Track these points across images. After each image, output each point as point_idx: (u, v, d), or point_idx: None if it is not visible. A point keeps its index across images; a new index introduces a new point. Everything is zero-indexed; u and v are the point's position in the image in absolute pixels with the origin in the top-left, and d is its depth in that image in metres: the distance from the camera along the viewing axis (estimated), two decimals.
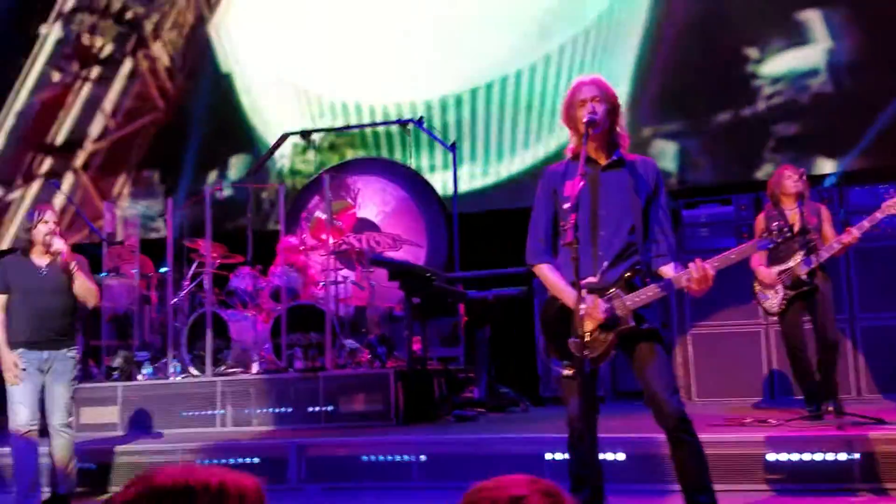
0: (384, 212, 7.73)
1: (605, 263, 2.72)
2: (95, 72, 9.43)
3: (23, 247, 4.29)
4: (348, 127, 8.26)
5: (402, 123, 7.95)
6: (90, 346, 6.53)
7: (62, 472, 4.22)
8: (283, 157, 8.43)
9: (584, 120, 2.69)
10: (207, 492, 0.92)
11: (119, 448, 5.05)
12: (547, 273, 2.82)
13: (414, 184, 7.75)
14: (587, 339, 2.56)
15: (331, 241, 6.34)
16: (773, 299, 4.62)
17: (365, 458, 4.59)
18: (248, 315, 6.39)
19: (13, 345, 4.15)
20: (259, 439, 5.21)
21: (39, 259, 4.25)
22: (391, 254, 7.25)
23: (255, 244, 7.35)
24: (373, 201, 7.68)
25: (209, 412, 5.80)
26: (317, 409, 5.62)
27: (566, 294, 2.68)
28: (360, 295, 6.64)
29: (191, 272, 6.71)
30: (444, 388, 6.18)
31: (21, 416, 4.11)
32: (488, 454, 4.35)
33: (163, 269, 7.25)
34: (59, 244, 4.14)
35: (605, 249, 2.74)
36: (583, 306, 2.51)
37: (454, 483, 4.33)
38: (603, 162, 2.83)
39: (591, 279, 2.67)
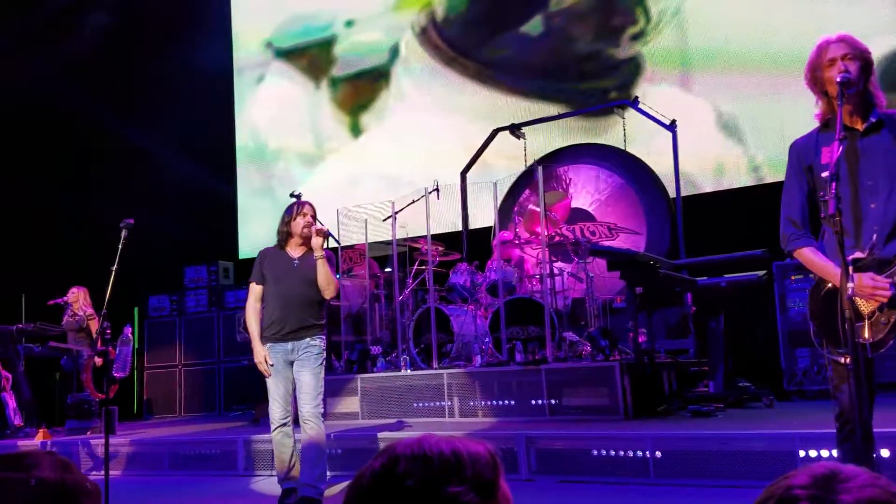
0: (598, 200, 7.52)
1: (875, 237, 2.38)
2: None
3: (280, 239, 4.34)
4: (560, 116, 8.12)
5: (618, 106, 7.68)
6: (331, 342, 7.04)
7: (309, 470, 4.13)
8: (496, 153, 8.48)
9: (838, 80, 2.39)
10: (442, 456, 0.98)
11: (361, 434, 5.37)
12: (810, 256, 2.53)
13: (630, 168, 7.46)
14: (866, 321, 2.25)
15: (545, 233, 6.29)
16: None
17: (595, 452, 4.47)
18: (468, 310, 6.53)
19: (263, 338, 4.23)
20: (486, 430, 5.28)
21: (294, 251, 4.32)
22: (608, 243, 7.04)
23: (469, 241, 7.49)
24: (586, 189, 7.51)
25: (438, 403, 6.01)
26: (540, 402, 5.60)
27: (836, 275, 2.38)
28: (577, 287, 6.53)
29: (413, 270, 7.00)
30: (673, 381, 5.89)
31: (274, 412, 4.21)
32: (731, 451, 4.05)
33: (387, 269, 7.65)
34: (320, 227, 4.26)
35: (878, 222, 2.41)
36: (850, 285, 2.21)
37: (693, 481, 4.10)
38: (860, 127, 2.50)
39: (858, 254, 2.36)
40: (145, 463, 5.95)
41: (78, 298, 7.78)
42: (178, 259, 9.81)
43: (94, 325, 7.62)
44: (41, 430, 6.67)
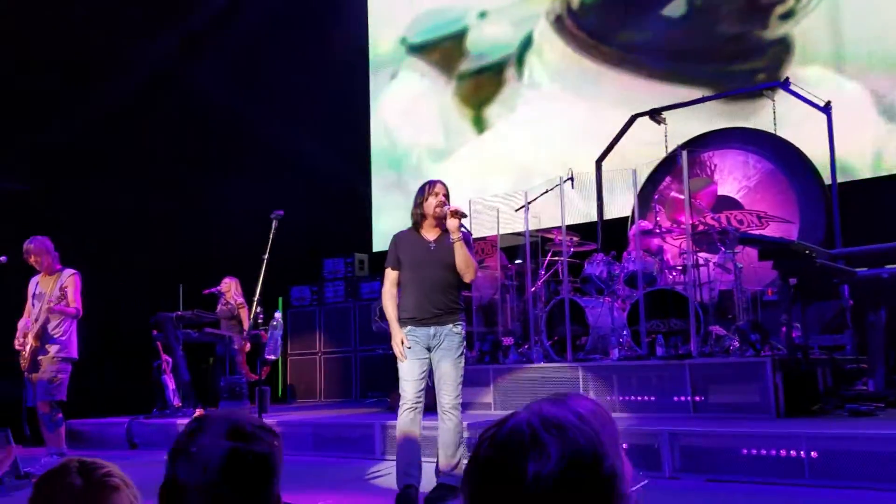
0: (747, 187, 7.11)
1: None
2: None
3: (414, 222, 4.19)
4: (705, 98, 7.73)
5: (768, 88, 7.23)
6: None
7: (447, 459, 4.00)
8: (633, 140, 8.20)
9: None
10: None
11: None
12: None
13: (781, 153, 7.00)
14: None
15: (689, 222, 6.01)
16: None
17: (745, 451, 4.23)
18: (604, 301, 6.36)
19: (401, 322, 4.08)
20: (625, 426, 5.12)
21: (429, 233, 4.15)
22: (758, 232, 6.64)
23: (604, 230, 7.31)
24: (733, 176, 7.12)
25: None
26: (683, 398, 5.39)
27: None
28: (724, 278, 6.20)
29: (546, 261, 6.90)
30: (828, 379, 5.47)
31: (406, 392, 4.03)
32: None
33: (517, 261, 7.60)
34: (455, 207, 4.03)
35: None
36: None
37: (853, 483, 3.82)
38: None
39: None
40: (290, 443, 6.22)
41: (230, 288, 8.29)
42: (318, 251, 10.21)
43: (244, 314, 8.08)
44: (198, 410, 7.15)
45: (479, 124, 10.06)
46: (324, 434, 6.16)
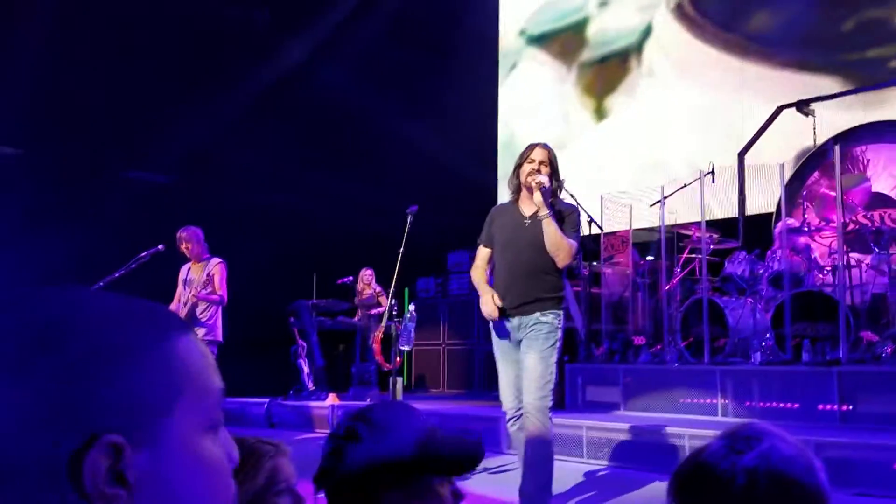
0: None
1: None
2: None
3: (511, 192, 3.72)
4: (855, 90, 7.20)
5: None
6: (590, 330, 6.96)
7: (532, 482, 3.37)
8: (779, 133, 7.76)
9: None
10: None
11: (619, 425, 5.24)
12: None
13: None
14: None
15: (840, 220, 5.62)
16: None
17: None
18: (746, 302, 6.06)
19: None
20: None
21: (527, 207, 3.61)
22: None
23: (746, 228, 6.96)
24: (888, 171, 6.60)
25: (708, 401, 5.66)
26: (829, 406, 5.08)
27: None
28: (877, 280, 5.76)
29: (682, 259, 6.67)
30: None
31: (505, 400, 3.57)
32: None
33: (649, 258, 7.38)
34: (540, 178, 3.48)
35: None
36: None
37: None
38: None
39: None
40: None
41: (367, 278, 8.56)
42: (443, 244, 10.34)
43: (383, 302, 8.33)
44: (331, 395, 7.43)
45: (600, 114, 9.87)
46: (451, 426, 6.22)
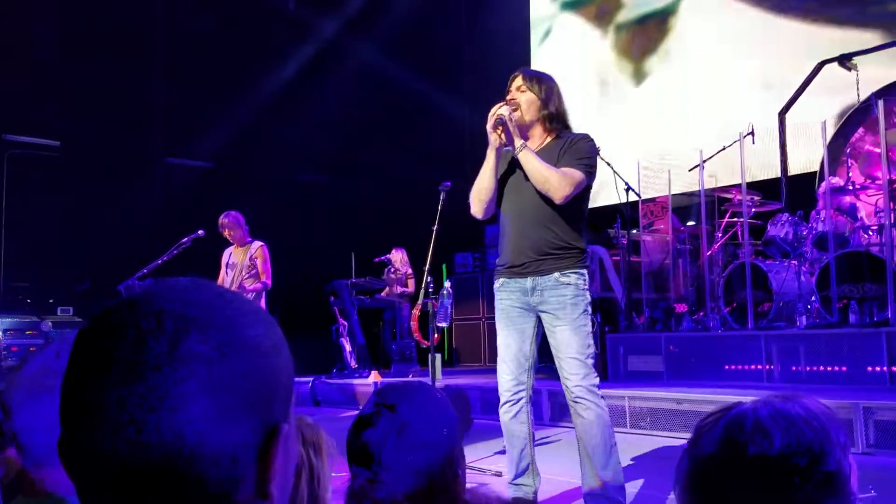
0: None
1: None
2: None
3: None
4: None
5: None
6: (631, 299, 6.89)
7: (593, 474, 2.81)
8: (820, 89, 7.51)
9: None
10: None
11: (662, 394, 5.19)
12: None
13: None
14: None
15: (887, 177, 5.43)
16: None
17: None
18: (790, 265, 5.93)
19: (496, 273, 3.06)
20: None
21: (532, 140, 3.09)
22: None
23: (788, 188, 6.79)
24: None
25: (755, 367, 5.58)
26: (879, 368, 4.98)
27: None
28: None
29: (723, 223, 6.54)
30: None
31: (502, 379, 2.96)
32: None
33: (690, 223, 7.25)
34: (498, 110, 2.94)
35: None
36: None
37: None
38: None
39: None
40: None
41: (398, 259, 8.61)
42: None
43: (411, 283, 8.38)
44: (373, 372, 7.52)
45: (639, 77, 9.66)
46: (490, 399, 6.24)
